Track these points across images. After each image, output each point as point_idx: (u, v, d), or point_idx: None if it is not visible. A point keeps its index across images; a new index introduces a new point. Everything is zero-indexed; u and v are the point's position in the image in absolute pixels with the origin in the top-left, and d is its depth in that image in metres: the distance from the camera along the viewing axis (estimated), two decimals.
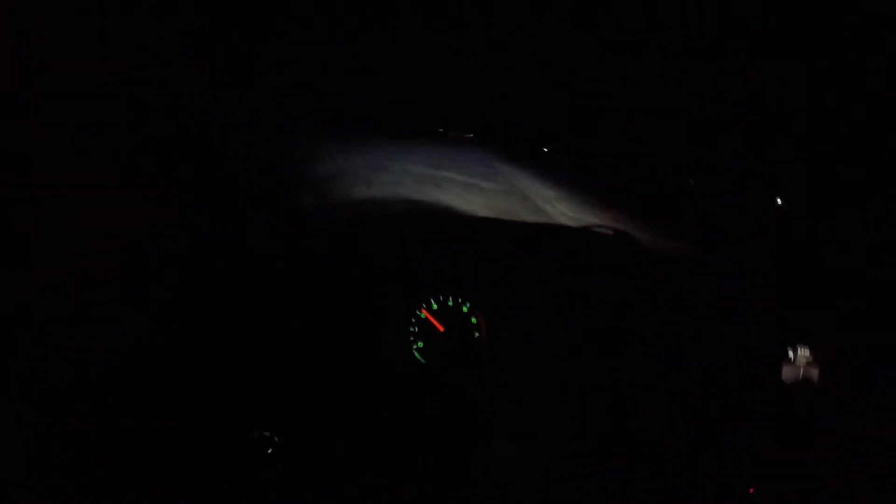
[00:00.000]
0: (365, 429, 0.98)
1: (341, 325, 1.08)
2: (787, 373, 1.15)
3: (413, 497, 0.87)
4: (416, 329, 1.13)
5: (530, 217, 1.44)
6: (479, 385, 1.11)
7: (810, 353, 1.16)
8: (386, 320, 1.13)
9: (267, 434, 0.87)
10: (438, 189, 1.38)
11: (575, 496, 0.91)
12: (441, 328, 1.13)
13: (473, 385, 1.11)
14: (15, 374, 0.74)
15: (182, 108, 0.98)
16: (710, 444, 1.04)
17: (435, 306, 1.14)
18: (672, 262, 1.34)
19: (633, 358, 1.11)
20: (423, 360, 1.12)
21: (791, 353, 1.16)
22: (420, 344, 1.13)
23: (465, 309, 1.14)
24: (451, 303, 1.14)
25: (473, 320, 1.14)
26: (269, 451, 0.86)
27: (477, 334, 1.13)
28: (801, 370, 1.16)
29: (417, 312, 1.13)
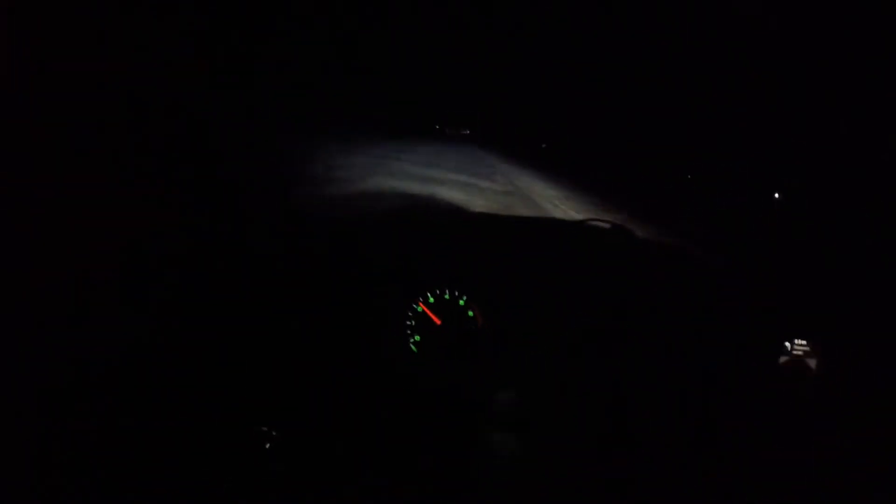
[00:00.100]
0: (363, 423, 0.98)
1: (338, 320, 1.08)
2: (784, 366, 1.15)
3: (412, 491, 0.86)
4: (414, 323, 1.13)
5: (529, 214, 1.45)
6: (477, 378, 1.11)
7: (807, 346, 1.16)
8: (383, 314, 1.13)
9: (265, 429, 0.87)
10: (436, 185, 1.38)
11: (573, 487, 0.91)
12: (438, 321, 1.13)
13: (471, 378, 1.11)
14: (15, 374, 0.74)
15: (182, 108, 0.98)
16: (707, 435, 1.04)
17: (431, 300, 1.14)
18: (669, 256, 1.34)
19: (629, 351, 1.11)
20: (419, 354, 1.13)
21: (788, 346, 1.16)
22: (417, 337, 1.13)
23: (461, 302, 1.14)
24: (447, 296, 1.14)
25: (470, 313, 1.14)
26: (267, 445, 0.86)
27: (474, 327, 1.13)
28: (799, 364, 1.16)
29: (414, 306, 1.13)
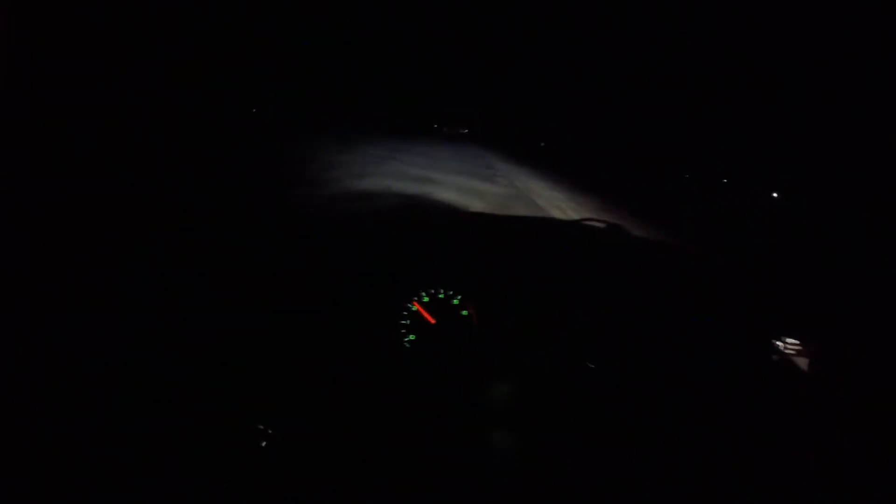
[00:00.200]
0: (359, 423, 0.98)
1: (334, 319, 1.09)
2: (778, 364, 1.16)
3: (409, 491, 0.86)
4: (409, 322, 1.13)
5: (527, 214, 1.44)
6: (473, 377, 1.11)
7: (799, 345, 1.16)
8: (377, 313, 1.13)
9: (261, 427, 0.87)
10: (433, 186, 1.38)
11: (570, 485, 0.91)
12: (432, 321, 1.13)
13: (466, 377, 1.11)
14: (15, 374, 0.74)
15: (182, 108, 0.98)
16: (705, 433, 1.04)
17: (426, 299, 1.14)
18: (667, 255, 1.34)
19: (627, 350, 1.12)
20: (414, 353, 1.13)
21: (780, 345, 1.17)
22: (412, 337, 1.13)
23: (455, 301, 1.14)
24: (442, 295, 1.14)
25: (465, 312, 1.14)
26: (264, 444, 0.86)
27: (469, 327, 1.13)
28: (792, 363, 1.16)
29: (409, 305, 1.13)
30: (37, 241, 0.76)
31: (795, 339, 1.16)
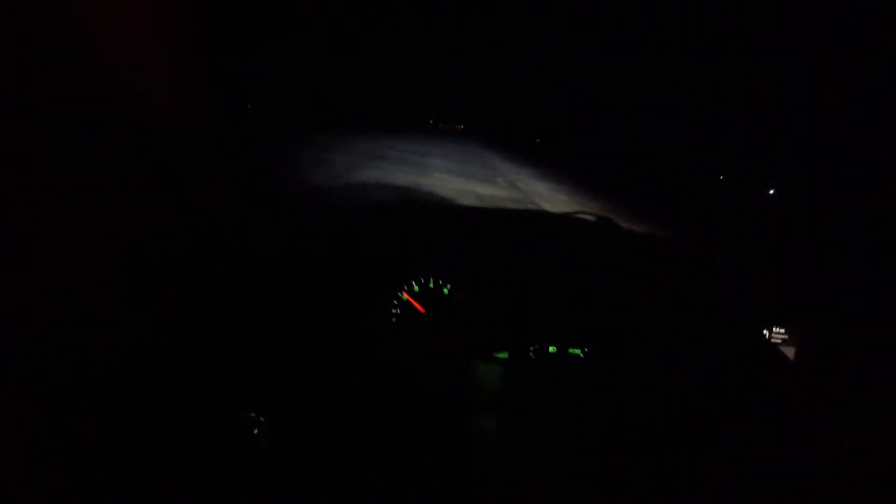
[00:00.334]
0: (351, 410, 0.97)
1: (326, 311, 1.08)
2: (780, 361, 1.16)
3: (404, 483, 0.86)
4: (399, 312, 1.13)
5: (524, 208, 1.43)
6: (463, 366, 1.11)
7: (785, 335, 1.16)
8: (367, 304, 1.13)
9: (253, 415, 0.87)
10: (427, 187, 1.37)
11: (564, 476, 0.91)
12: (422, 310, 1.13)
13: (456, 367, 1.11)
14: (15, 374, 0.74)
15: (182, 107, 0.98)
16: (699, 423, 1.04)
17: (416, 289, 1.14)
18: (664, 252, 1.34)
19: (618, 340, 1.12)
20: (404, 343, 1.13)
21: (766, 335, 1.17)
22: (402, 327, 1.13)
23: (445, 291, 1.14)
24: (432, 285, 1.14)
25: (455, 302, 1.14)
26: (256, 431, 0.86)
27: (459, 316, 1.13)
28: (794, 359, 1.16)
29: (399, 295, 1.13)
30: (37, 241, 0.76)
31: (784, 329, 1.16)
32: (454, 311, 1.13)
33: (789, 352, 1.18)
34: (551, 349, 1.13)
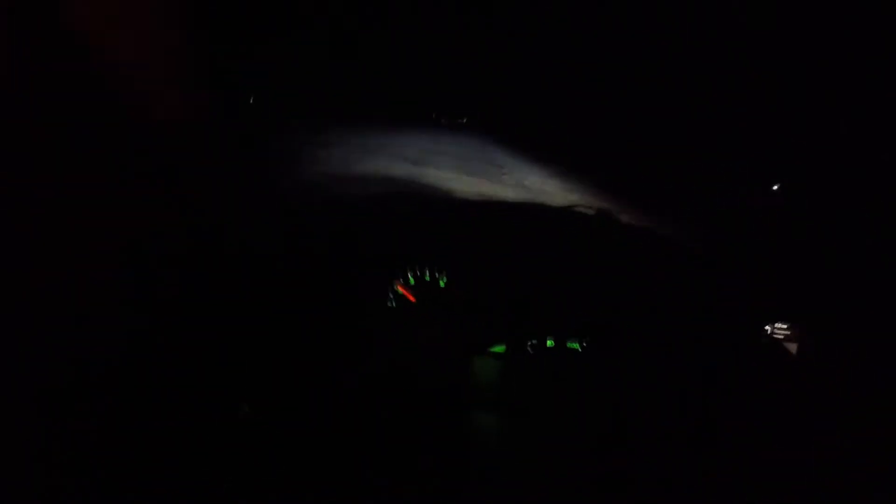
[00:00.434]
0: (350, 412, 0.97)
1: (322, 304, 1.08)
2: (779, 360, 1.16)
3: (401, 477, 0.86)
4: (394, 304, 1.13)
5: (524, 200, 1.40)
6: (460, 361, 1.11)
7: (787, 330, 1.16)
8: (362, 296, 1.12)
9: (240, 403, 0.87)
10: (426, 175, 1.34)
11: (561, 471, 0.90)
12: (413, 299, 1.13)
13: (454, 361, 1.11)
14: (15, 374, 0.74)
15: (182, 107, 0.98)
16: (698, 418, 1.03)
17: (412, 280, 1.13)
18: (663, 246, 1.33)
19: (615, 331, 1.11)
20: (397, 335, 1.12)
21: (768, 330, 1.16)
22: (396, 318, 1.13)
23: (441, 283, 1.13)
24: (427, 276, 1.13)
25: (450, 293, 1.13)
26: (246, 409, 0.86)
27: (455, 309, 1.13)
28: (793, 357, 1.16)
29: (393, 287, 1.13)
30: (37, 241, 0.76)
31: (786, 325, 1.16)
32: (450, 303, 1.13)
33: (790, 348, 1.18)
34: (549, 343, 1.12)
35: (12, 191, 0.73)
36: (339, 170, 1.26)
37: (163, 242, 0.94)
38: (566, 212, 1.29)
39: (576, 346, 1.13)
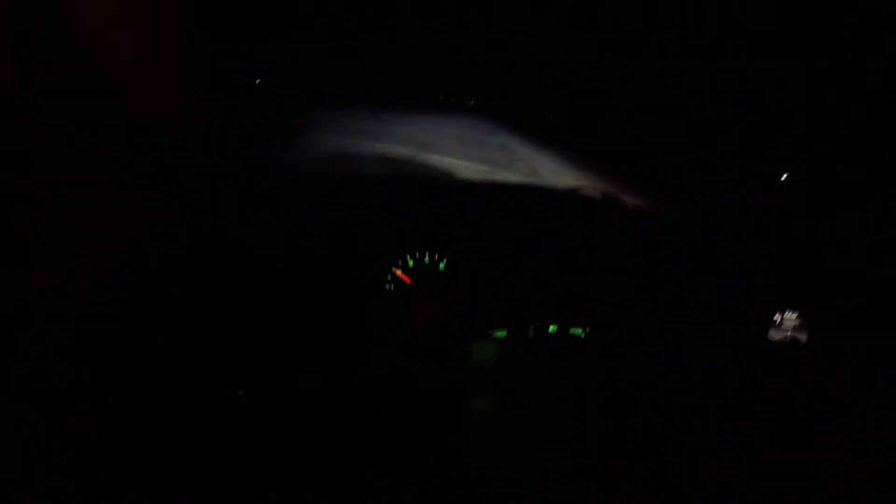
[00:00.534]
0: (346, 398, 0.96)
1: (320, 292, 1.07)
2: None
3: (402, 476, 0.86)
4: (393, 287, 1.12)
5: (526, 182, 1.36)
6: (461, 348, 1.10)
7: (797, 319, 1.16)
8: (359, 281, 1.11)
9: (235, 392, 0.87)
10: (430, 155, 1.31)
11: (562, 467, 0.90)
12: (409, 281, 1.12)
13: (455, 348, 1.10)
14: (15, 374, 0.74)
15: (182, 107, 0.98)
16: (698, 412, 1.03)
17: (411, 263, 1.12)
18: (662, 226, 1.32)
19: (615, 318, 1.10)
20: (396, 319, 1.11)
21: (777, 319, 1.16)
22: (395, 302, 1.12)
23: (441, 266, 1.13)
24: (427, 259, 1.12)
25: (448, 277, 1.12)
26: (239, 393, 0.86)
27: (451, 291, 1.12)
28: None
29: (392, 271, 1.12)
30: (37, 241, 0.76)
31: (790, 311, 1.15)
32: (449, 287, 1.12)
33: (800, 337, 1.17)
34: (552, 329, 1.11)
35: (12, 191, 0.73)
36: (340, 152, 1.24)
37: (163, 242, 0.94)
38: (572, 196, 1.28)
39: (579, 332, 1.12)
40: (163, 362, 0.92)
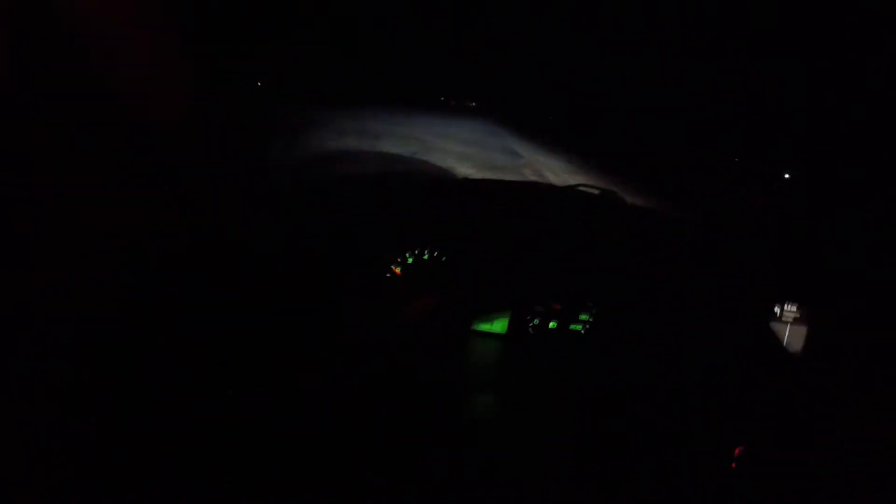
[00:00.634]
0: (346, 395, 0.96)
1: (318, 292, 1.07)
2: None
3: (402, 476, 0.86)
4: (393, 287, 1.12)
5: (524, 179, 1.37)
6: (461, 346, 1.10)
7: (797, 312, 1.16)
8: (360, 278, 1.11)
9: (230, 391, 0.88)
10: (431, 157, 1.31)
11: (562, 468, 0.90)
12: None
13: (455, 346, 1.10)
14: (15, 374, 0.74)
15: (182, 107, 0.98)
16: (697, 412, 1.03)
17: (410, 260, 1.12)
18: (662, 225, 1.33)
19: (616, 315, 1.10)
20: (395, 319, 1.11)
21: (777, 312, 1.16)
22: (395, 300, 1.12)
23: (441, 264, 1.13)
24: (426, 256, 1.12)
25: (450, 273, 1.13)
26: (230, 391, 0.87)
27: (454, 287, 1.12)
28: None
29: (392, 268, 1.12)
30: (37, 241, 0.76)
31: (789, 303, 1.15)
32: (450, 285, 1.12)
33: (800, 331, 1.17)
34: (552, 325, 1.11)
35: (12, 191, 0.73)
36: (340, 152, 1.24)
37: (163, 242, 0.94)
38: (573, 195, 1.28)
39: (578, 328, 1.12)
40: (163, 362, 0.92)
